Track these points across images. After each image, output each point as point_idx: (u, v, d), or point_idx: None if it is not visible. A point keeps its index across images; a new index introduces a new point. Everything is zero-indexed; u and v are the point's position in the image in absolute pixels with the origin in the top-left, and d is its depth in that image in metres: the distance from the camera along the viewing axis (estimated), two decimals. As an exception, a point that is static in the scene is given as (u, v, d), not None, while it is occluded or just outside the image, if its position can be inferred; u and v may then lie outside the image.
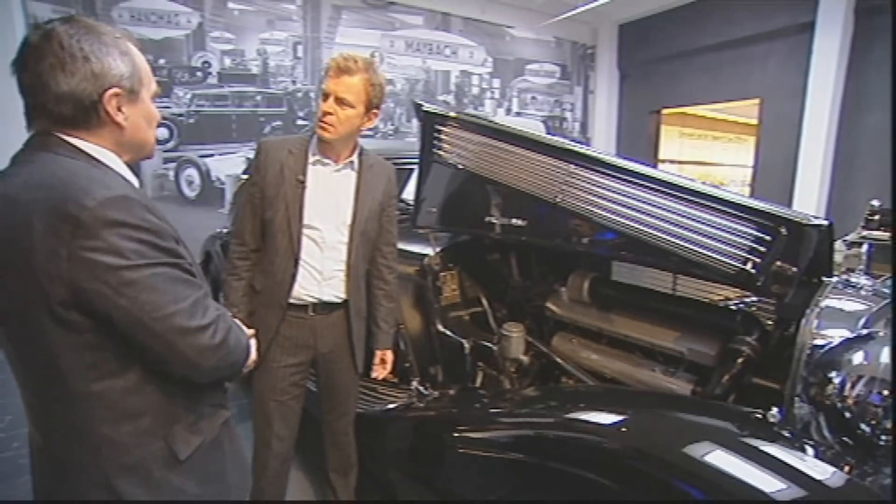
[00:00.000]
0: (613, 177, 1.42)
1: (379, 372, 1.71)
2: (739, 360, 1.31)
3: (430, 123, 1.86)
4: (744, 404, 1.23)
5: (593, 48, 7.52)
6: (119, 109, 0.83)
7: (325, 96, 1.45)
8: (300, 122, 5.80)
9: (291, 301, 1.50)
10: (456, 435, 1.38)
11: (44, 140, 0.80)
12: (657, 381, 1.48)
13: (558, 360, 1.67)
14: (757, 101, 5.86)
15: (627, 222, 1.39)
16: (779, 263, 1.18)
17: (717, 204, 1.26)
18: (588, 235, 1.48)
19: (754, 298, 1.43)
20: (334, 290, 1.54)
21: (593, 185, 1.45)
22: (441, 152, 1.84)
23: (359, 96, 1.44)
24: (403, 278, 1.90)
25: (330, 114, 1.43)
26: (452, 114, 1.82)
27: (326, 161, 1.52)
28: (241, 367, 0.96)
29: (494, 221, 1.68)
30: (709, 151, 9.70)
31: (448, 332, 1.80)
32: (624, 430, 1.06)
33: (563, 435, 1.10)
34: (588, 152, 1.51)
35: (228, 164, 5.59)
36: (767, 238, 1.18)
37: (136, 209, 0.76)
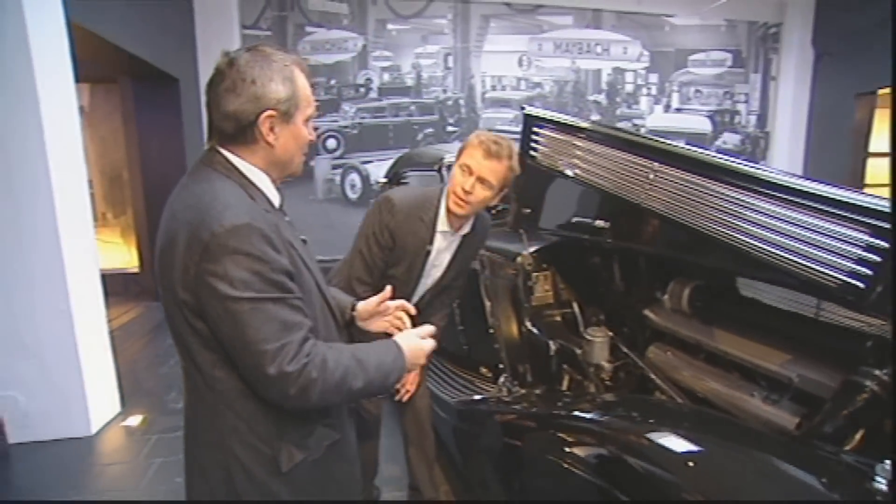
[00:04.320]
0: (696, 173, 1.28)
1: (404, 383, 1.71)
2: (861, 396, 1.08)
3: (528, 126, 1.88)
4: (855, 450, 1.01)
5: (777, 26, 6.47)
6: (271, 130, 0.90)
7: (467, 171, 1.46)
8: (450, 128, 6.17)
9: None
10: (530, 435, 1.39)
11: (210, 156, 0.92)
12: (755, 408, 1.29)
13: (648, 371, 1.55)
14: None
15: (709, 224, 1.24)
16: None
17: (818, 203, 1.06)
18: (669, 239, 1.36)
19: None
20: None
21: (674, 183, 1.33)
22: (537, 154, 1.85)
23: (500, 181, 1.48)
24: (499, 276, 1.96)
25: (469, 192, 1.46)
26: (548, 115, 1.82)
27: (449, 232, 1.60)
28: (354, 399, 0.96)
29: (583, 223, 1.64)
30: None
31: (536, 332, 1.80)
32: (692, 464, 0.96)
33: (631, 462, 1.02)
34: (674, 149, 1.39)
35: (384, 169, 6.24)
36: (884, 245, 0.95)
37: (254, 238, 0.82)
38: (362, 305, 1.20)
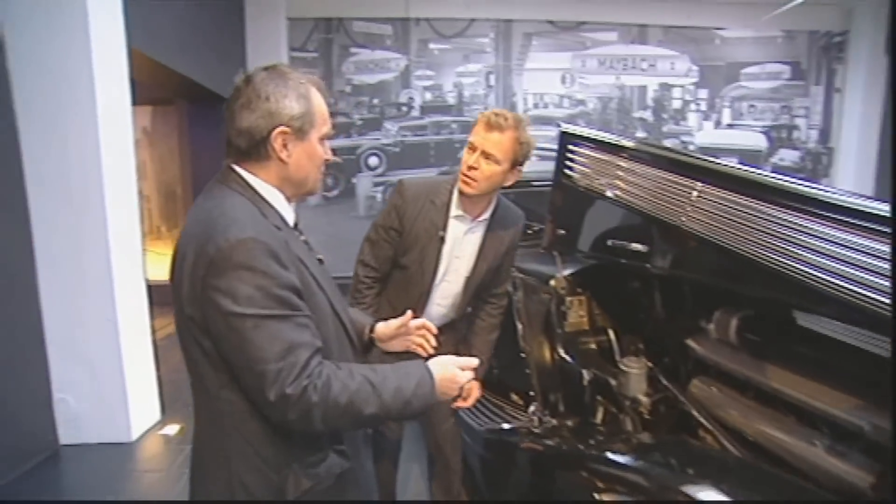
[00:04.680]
0: (743, 193, 1.17)
1: (459, 403, 1.69)
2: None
3: (564, 144, 1.82)
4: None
5: (843, 34, 6.10)
6: (284, 146, 0.89)
7: (472, 149, 1.44)
8: (490, 146, 6.14)
9: None
10: (560, 474, 1.31)
11: (225, 174, 0.92)
12: (818, 458, 1.14)
13: (690, 407, 1.42)
14: None
15: (759, 250, 1.13)
16: None
17: (888, 227, 0.93)
18: (713, 265, 1.24)
19: None
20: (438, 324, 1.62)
21: (719, 204, 1.22)
22: (573, 173, 1.78)
23: (506, 154, 1.43)
24: (531, 299, 1.88)
25: (474, 168, 1.43)
26: (583, 132, 1.75)
27: (465, 216, 1.54)
28: (363, 425, 0.95)
29: (620, 247, 1.55)
30: None
31: (569, 360, 1.71)
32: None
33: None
34: (718, 167, 1.28)
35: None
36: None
37: (259, 253, 0.80)
38: (382, 327, 1.16)
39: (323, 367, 0.84)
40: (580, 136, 1.80)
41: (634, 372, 1.47)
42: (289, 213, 0.94)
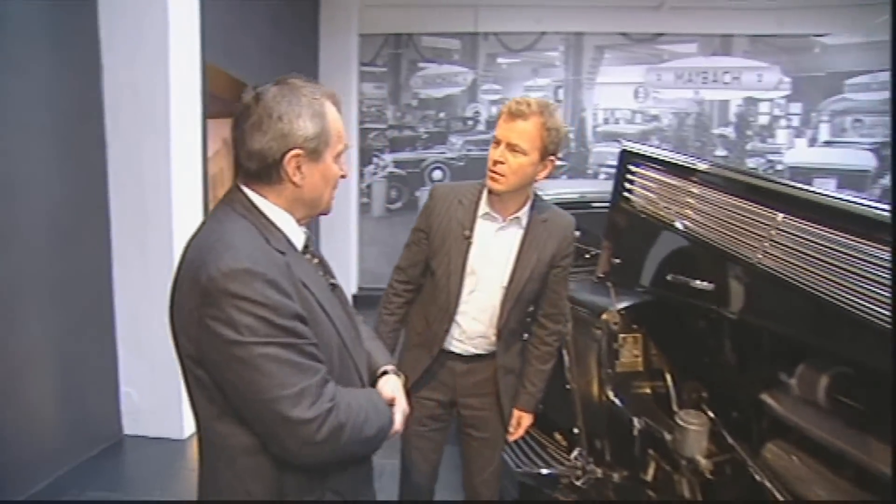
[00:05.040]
0: (836, 227, 0.97)
1: (514, 434, 1.57)
2: None
3: (625, 164, 1.66)
4: None
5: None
6: (298, 169, 0.84)
7: (497, 143, 1.35)
8: (558, 162, 5.94)
9: (441, 348, 1.50)
10: None
11: (231, 194, 0.88)
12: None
13: (763, 475, 1.20)
14: None
15: (854, 298, 0.92)
16: None
17: None
18: (794, 313, 1.04)
19: None
20: (479, 349, 1.49)
21: (804, 239, 1.02)
22: (633, 196, 1.61)
23: (532, 142, 1.31)
24: (581, 332, 1.72)
25: (501, 162, 1.32)
26: (647, 151, 1.58)
27: (494, 215, 1.43)
28: (368, 450, 0.91)
29: (682, 283, 1.36)
30: None
31: (619, 404, 1.53)
32: None
33: None
34: (806, 195, 1.08)
35: (485, 201, 6.21)
36: None
37: (256, 284, 0.75)
38: (382, 383, 1.06)
39: (337, 388, 0.82)
40: (644, 157, 1.64)
41: (694, 428, 1.27)
42: (297, 235, 0.89)
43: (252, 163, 0.83)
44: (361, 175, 5.92)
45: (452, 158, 6.00)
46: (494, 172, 1.34)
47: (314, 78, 5.17)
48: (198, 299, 0.76)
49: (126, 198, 2.68)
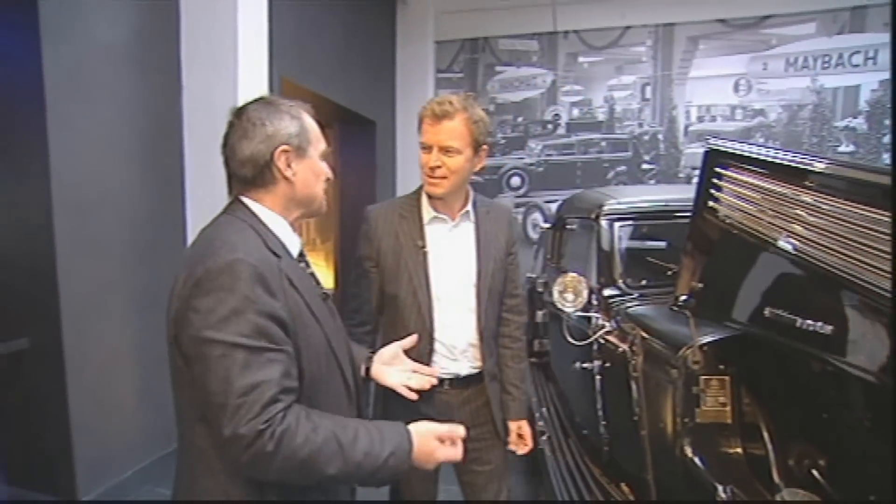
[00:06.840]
0: None
1: (520, 448, 1.49)
2: None
3: (712, 166, 1.37)
4: None
5: None
6: (288, 165, 0.91)
7: (427, 148, 1.33)
8: (645, 166, 5.50)
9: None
10: None
11: (230, 205, 0.94)
12: None
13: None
14: None
15: None
16: None
17: None
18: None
19: None
20: (470, 362, 1.41)
21: None
22: (720, 206, 1.32)
23: (464, 140, 1.31)
24: (654, 368, 1.45)
25: (437, 167, 1.31)
26: (740, 151, 1.29)
27: (443, 217, 1.41)
28: (349, 482, 0.90)
29: (785, 321, 1.05)
30: None
31: (698, 464, 1.24)
32: None
33: None
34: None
35: (567, 209, 5.87)
36: None
37: (244, 274, 0.78)
38: (377, 361, 1.17)
39: (287, 413, 0.78)
40: (738, 156, 1.34)
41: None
42: (293, 241, 0.95)
43: (246, 169, 0.90)
44: (438, 184, 5.87)
45: (531, 164, 5.77)
46: (433, 179, 1.34)
47: (391, 88, 5.25)
48: (189, 290, 0.80)
49: (202, 211, 2.80)
